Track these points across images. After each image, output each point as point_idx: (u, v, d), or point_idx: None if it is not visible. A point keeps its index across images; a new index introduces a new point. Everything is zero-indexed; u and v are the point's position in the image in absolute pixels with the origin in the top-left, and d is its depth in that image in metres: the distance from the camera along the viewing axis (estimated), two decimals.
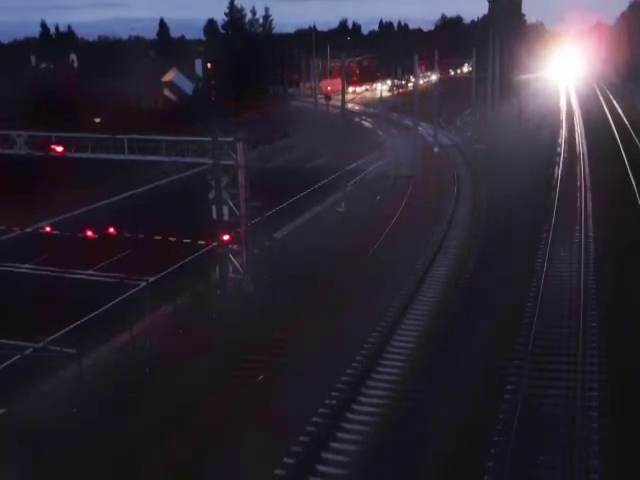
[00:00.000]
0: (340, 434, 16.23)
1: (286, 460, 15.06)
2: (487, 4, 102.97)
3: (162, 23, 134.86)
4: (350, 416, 16.97)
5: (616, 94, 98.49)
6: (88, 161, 27.42)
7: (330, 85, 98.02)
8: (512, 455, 14.80)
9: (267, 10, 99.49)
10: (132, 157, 26.41)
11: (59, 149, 26.69)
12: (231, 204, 24.71)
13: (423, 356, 19.96)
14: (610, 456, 14.90)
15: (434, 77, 75.25)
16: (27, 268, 27.31)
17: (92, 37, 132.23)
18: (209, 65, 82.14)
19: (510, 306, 23.12)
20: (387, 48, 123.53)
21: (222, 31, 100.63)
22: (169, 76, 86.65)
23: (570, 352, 19.62)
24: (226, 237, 24.68)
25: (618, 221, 32.62)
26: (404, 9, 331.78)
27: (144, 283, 23.07)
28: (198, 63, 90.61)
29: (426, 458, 15.10)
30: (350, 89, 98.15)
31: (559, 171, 46.80)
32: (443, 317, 22.69)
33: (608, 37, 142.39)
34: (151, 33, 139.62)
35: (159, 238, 28.88)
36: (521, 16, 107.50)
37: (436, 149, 57.91)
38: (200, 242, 27.63)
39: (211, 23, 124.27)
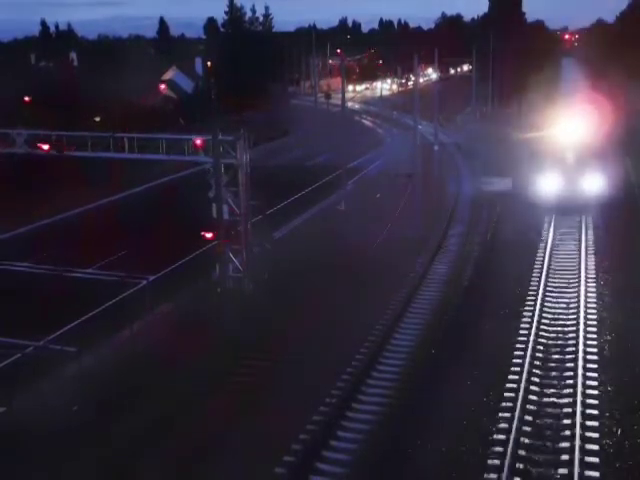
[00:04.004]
0: (340, 432, 16.25)
1: (286, 459, 15.08)
2: (487, 3, 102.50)
3: (162, 21, 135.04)
4: (350, 415, 17.00)
5: None
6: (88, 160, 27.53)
7: (330, 82, 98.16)
8: None
9: (267, 8, 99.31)
10: (132, 156, 26.42)
11: (45, 147, 26.67)
12: (231, 203, 24.72)
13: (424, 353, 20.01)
14: None
15: (434, 76, 75.32)
16: (26, 266, 27.28)
17: (92, 35, 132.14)
18: (209, 63, 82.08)
19: (510, 305, 23.17)
20: (387, 46, 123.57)
21: (222, 29, 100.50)
22: (169, 74, 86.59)
23: None
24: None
25: None
26: (404, 7, 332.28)
27: (144, 282, 23.06)
28: (198, 61, 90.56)
29: None
30: (350, 87, 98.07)
31: None
32: (444, 315, 22.72)
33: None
34: (151, 31, 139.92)
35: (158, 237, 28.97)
36: (521, 15, 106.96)
37: (436, 147, 57.90)
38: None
39: (211, 21, 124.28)
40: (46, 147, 26.71)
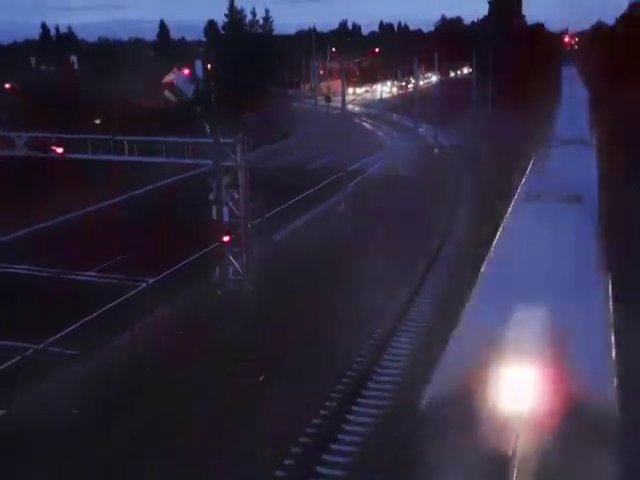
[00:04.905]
0: (340, 435, 16.22)
1: (286, 462, 15.05)
2: (487, 5, 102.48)
3: (162, 24, 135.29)
4: (350, 417, 16.97)
5: None
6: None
7: (330, 85, 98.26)
8: None
9: (267, 11, 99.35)
10: (132, 158, 26.45)
11: (59, 150, 26.72)
12: (231, 205, 24.76)
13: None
14: None
15: (434, 78, 75.39)
16: (26, 268, 27.28)
17: (92, 38, 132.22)
18: (209, 66, 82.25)
19: None
20: (387, 49, 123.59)
21: (222, 32, 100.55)
22: (169, 77, 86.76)
23: None
24: (226, 238, 24.74)
25: None
26: (404, 10, 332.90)
27: (144, 284, 23.06)
28: (198, 64, 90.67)
29: None
30: (350, 90, 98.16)
31: None
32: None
33: None
34: (151, 34, 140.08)
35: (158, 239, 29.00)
36: (521, 17, 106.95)
37: (436, 150, 57.99)
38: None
39: (211, 24, 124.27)
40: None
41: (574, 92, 65.76)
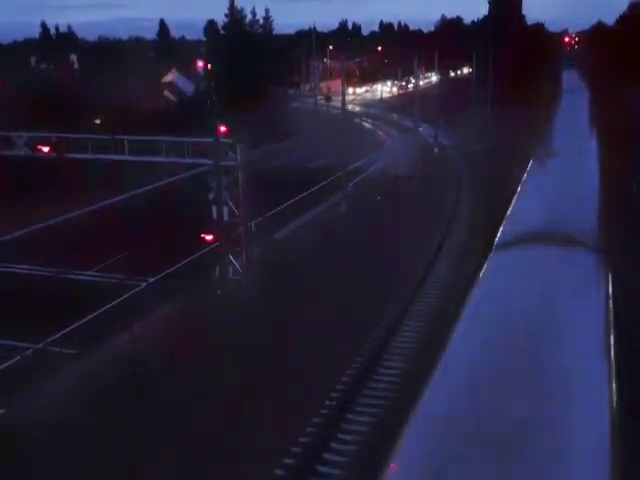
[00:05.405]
0: (340, 435, 16.20)
1: (287, 461, 15.05)
2: (487, 5, 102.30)
3: (162, 23, 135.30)
4: (350, 417, 16.95)
5: None
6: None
7: (330, 84, 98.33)
8: None
9: (267, 11, 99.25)
10: (132, 158, 26.43)
11: (45, 149, 26.65)
12: (231, 204, 24.75)
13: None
14: None
15: (434, 78, 75.44)
16: (26, 268, 27.24)
17: (92, 37, 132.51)
18: (209, 66, 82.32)
19: None
20: (387, 49, 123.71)
21: (222, 32, 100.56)
22: (169, 77, 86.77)
23: None
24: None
25: None
26: (404, 10, 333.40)
27: (144, 284, 23.04)
28: (199, 63, 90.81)
29: None
30: (350, 90, 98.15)
31: None
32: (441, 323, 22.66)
33: None
34: (151, 33, 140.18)
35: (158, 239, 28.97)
36: (521, 17, 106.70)
37: (436, 150, 58.01)
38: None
39: (211, 24, 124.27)
40: (46, 149, 26.70)
41: (574, 94, 66.09)
